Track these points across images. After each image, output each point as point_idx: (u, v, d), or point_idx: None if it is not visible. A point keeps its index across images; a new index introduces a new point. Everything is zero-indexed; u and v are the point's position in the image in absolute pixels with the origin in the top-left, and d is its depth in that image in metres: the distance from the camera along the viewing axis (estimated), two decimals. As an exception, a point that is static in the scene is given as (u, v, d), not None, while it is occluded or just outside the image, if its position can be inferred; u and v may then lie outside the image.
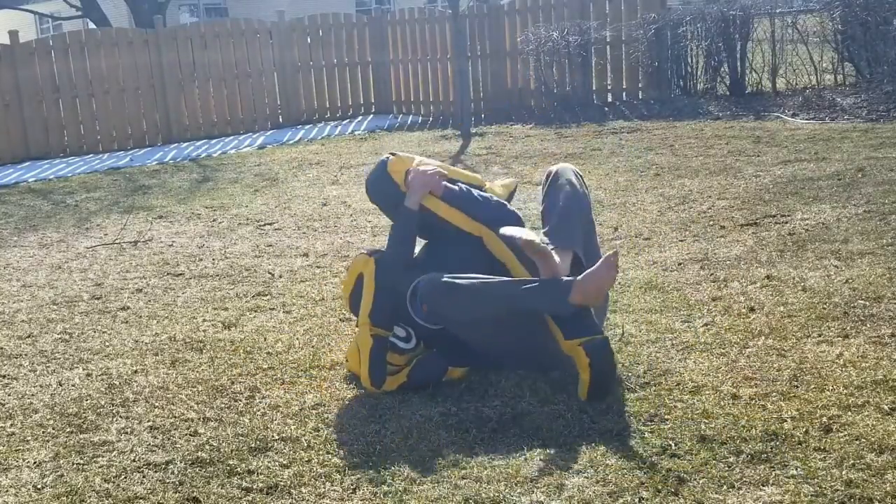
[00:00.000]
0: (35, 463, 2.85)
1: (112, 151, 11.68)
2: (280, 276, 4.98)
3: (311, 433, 2.90)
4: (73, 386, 3.50)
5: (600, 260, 3.07)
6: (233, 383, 3.40)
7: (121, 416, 3.17)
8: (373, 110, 13.50)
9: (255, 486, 2.58)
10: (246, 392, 3.30)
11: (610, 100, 11.27)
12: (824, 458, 2.46)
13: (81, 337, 4.16)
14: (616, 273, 3.08)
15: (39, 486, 2.69)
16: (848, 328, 3.37)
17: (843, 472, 2.37)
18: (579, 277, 3.06)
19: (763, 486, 2.36)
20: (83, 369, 3.69)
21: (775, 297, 3.79)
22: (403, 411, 3.01)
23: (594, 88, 11.38)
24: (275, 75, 12.87)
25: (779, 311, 3.62)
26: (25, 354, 3.95)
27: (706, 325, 3.56)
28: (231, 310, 4.40)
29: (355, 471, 2.63)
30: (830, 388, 2.88)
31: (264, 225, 6.48)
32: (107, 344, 4.02)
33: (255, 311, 4.34)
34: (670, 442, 2.62)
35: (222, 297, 4.64)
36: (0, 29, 13.46)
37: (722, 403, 2.84)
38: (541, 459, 2.60)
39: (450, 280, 3.16)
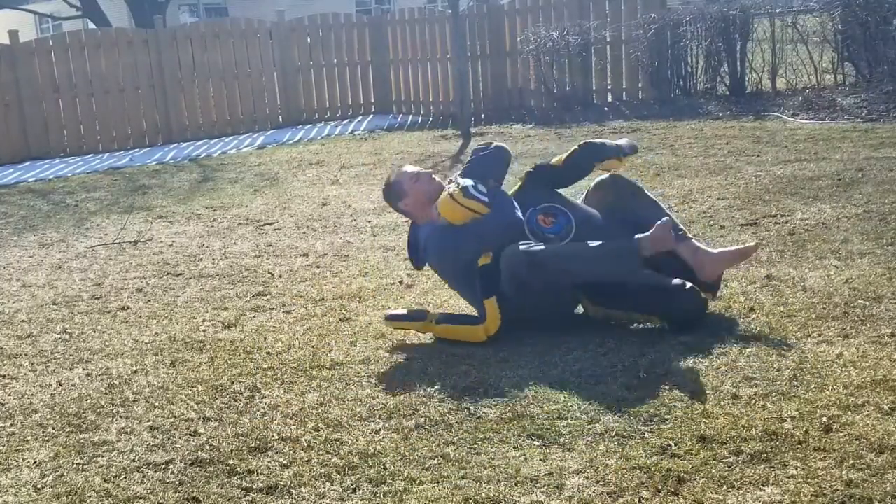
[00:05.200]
0: (35, 463, 2.85)
1: (112, 151, 11.69)
2: (280, 276, 4.98)
3: (311, 433, 2.89)
4: (73, 386, 3.50)
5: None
6: (233, 383, 3.40)
7: (121, 416, 3.17)
8: (373, 110, 13.51)
9: (255, 486, 2.58)
10: (246, 392, 3.30)
11: (610, 100, 11.27)
12: (824, 458, 2.46)
13: (81, 337, 4.16)
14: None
15: (39, 486, 2.69)
16: (848, 328, 3.37)
17: (843, 472, 2.37)
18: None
19: (763, 486, 2.36)
20: (83, 369, 3.69)
21: (775, 297, 3.79)
22: (404, 411, 3.01)
23: (594, 88, 11.38)
24: (275, 75, 12.87)
25: (779, 311, 3.61)
26: (25, 354, 3.95)
27: (706, 324, 3.56)
28: (231, 310, 4.40)
29: (355, 471, 2.62)
30: (830, 388, 2.88)
31: (264, 225, 6.48)
32: (107, 344, 4.02)
33: (255, 311, 4.34)
34: (670, 442, 2.62)
35: (222, 297, 4.64)
36: (0, 29, 13.45)
37: (722, 403, 2.84)
38: (541, 459, 2.60)
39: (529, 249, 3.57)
